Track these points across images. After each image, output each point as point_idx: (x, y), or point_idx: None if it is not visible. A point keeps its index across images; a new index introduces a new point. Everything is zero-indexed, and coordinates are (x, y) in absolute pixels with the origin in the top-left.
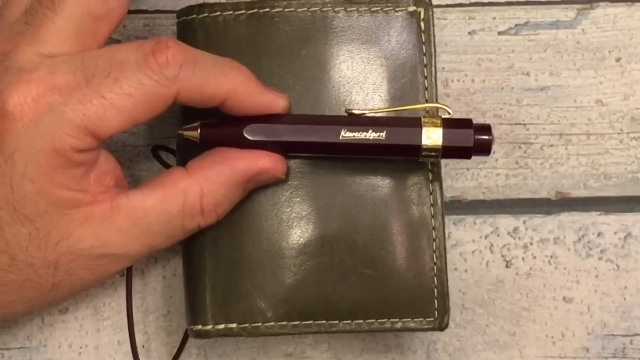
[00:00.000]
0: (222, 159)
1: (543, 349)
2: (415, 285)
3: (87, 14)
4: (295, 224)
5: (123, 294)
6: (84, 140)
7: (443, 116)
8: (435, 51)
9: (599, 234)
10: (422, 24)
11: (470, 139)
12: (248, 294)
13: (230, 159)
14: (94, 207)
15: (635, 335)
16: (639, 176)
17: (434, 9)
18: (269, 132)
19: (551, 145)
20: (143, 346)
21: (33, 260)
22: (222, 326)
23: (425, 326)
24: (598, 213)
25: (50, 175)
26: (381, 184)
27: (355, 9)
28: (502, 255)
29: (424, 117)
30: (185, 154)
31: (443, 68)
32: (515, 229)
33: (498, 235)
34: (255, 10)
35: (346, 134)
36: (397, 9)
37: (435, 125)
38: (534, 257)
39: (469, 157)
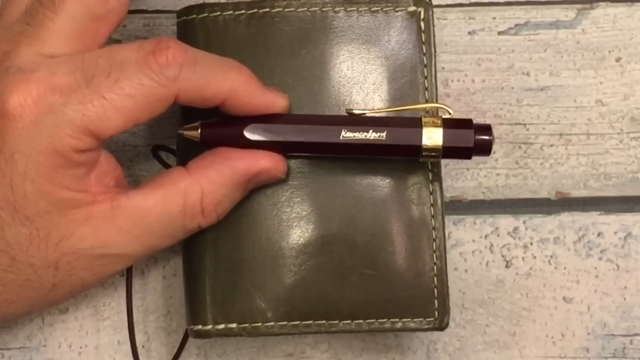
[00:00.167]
0: (222, 159)
1: (543, 349)
2: (415, 285)
3: (87, 14)
4: (295, 224)
5: (123, 294)
6: (84, 140)
7: (443, 116)
8: (435, 51)
9: (599, 234)
10: (422, 24)
11: (471, 139)
12: (248, 294)
13: (231, 158)
14: (95, 207)
15: (635, 335)
16: (639, 176)
17: (434, 9)
18: (269, 132)
19: (551, 145)
20: (143, 346)
21: (33, 261)
22: (222, 326)
23: (425, 326)
24: (598, 213)
25: (51, 175)
26: (381, 184)
27: (355, 8)
28: (502, 255)
29: (424, 117)
30: (185, 154)
31: (443, 68)
32: (515, 229)
33: (498, 235)
34: (255, 10)
35: (347, 134)
36: (397, 8)
37: (435, 125)
38: (534, 257)
39: (469, 158)
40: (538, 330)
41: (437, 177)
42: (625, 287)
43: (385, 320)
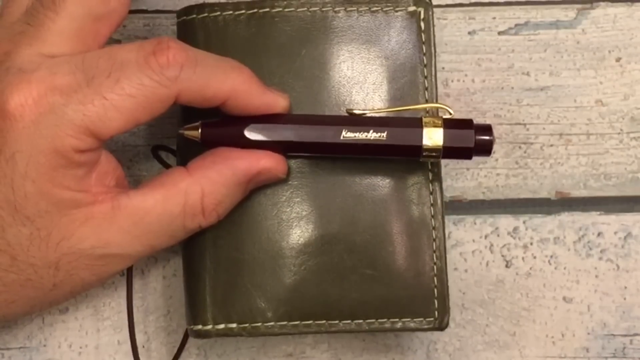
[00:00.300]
0: (223, 159)
1: (543, 349)
2: (415, 285)
3: (88, 15)
4: (295, 224)
5: (123, 293)
6: (85, 140)
7: (444, 116)
8: (435, 51)
9: (599, 234)
10: (422, 24)
11: (471, 140)
12: (248, 294)
13: (231, 158)
14: (95, 208)
15: (635, 335)
16: (639, 176)
17: (434, 9)
18: (270, 132)
19: (551, 145)
20: (143, 346)
21: (34, 261)
22: (222, 326)
23: (425, 326)
24: (598, 213)
25: (51, 175)
26: (381, 184)
27: (355, 8)
28: (502, 255)
29: (424, 117)
30: (186, 154)
31: (443, 68)
32: (515, 228)
33: (498, 235)
34: (255, 10)
35: (347, 134)
36: (397, 8)
37: (436, 125)
38: (534, 257)
39: (469, 158)
40: (538, 330)
41: (437, 177)
42: (625, 287)
43: (385, 320)
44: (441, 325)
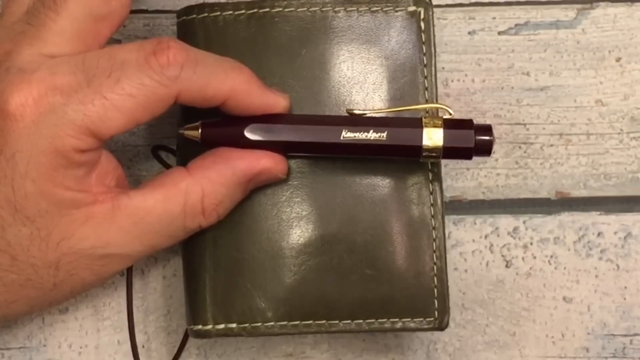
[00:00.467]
0: (223, 159)
1: (543, 349)
2: (415, 285)
3: (89, 15)
4: (295, 224)
5: (123, 293)
6: (85, 140)
7: (444, 117)
8: (435, 51)
9: (599, 234)
10: (422, 24)
11: (471, 140)
12: (248, 294)
13: (232, 158)
14: (95, 207)
15: (635, 335)
16: (639, 176)
17: (434, 9)
18: (270, 132)
19: (551, 145)
20: (143, 346)
21: (34, 261)
22: (222, 326)
23: (425, 326)
24: (598, 213)
25: (52, 175)
26: (381, 184)
27: (355, 8)
28: (502, 255)
29: (424, 117)
30: (186, 154)
31: (443, 68)
32: (515, 228)
33: (498, 235)
34: (255, 10)
35: (347, 134)
36: (397, 8)
37: (436, 125)
38: (534, 257)
39: (469, 158)
40: (538, 330)
41: (437, 177)
42: (625, 287)
43: (385, 320)
44: (441, 325)
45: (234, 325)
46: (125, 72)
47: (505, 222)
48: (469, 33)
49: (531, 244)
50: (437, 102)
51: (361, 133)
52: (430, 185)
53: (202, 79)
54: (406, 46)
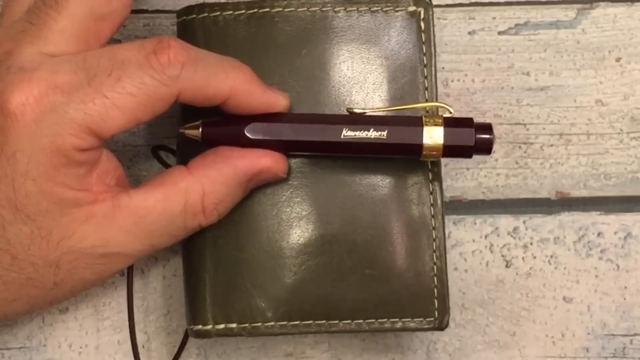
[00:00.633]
0: (223, 158)
1: (543, 349)
2: (415, 285)
3: (90, 14)
4: (295, 224)
5: (123, 293)
6: (86, 139)
7: (444, 115)
8: (435, 51)
9: (599, 234)
10: (422, 24)
11: (472, 138)
12: (248, 294)
13: (232, 157)
14: (96, 206)
15: (635, 335)
16: (639, 176)
17: (434, 9)
18: (270, 131)
19: (551, 145)
20: (143, 346)
21: (35, 260)
22: (222, 326)
23: (425, 326)
24: (598, 213)
25: (52, 174)
26: (381, 184)
27: (355, 8)
28: (502, 255)
29: (425, 116)
30: (186, 153)
31: (443, 68)
32: (515, 228)
33: (498, 235)
34: (255, 10)
35: (347, 133)
36: (397, 8)
37: (436, 124)
38: (534, 257)
39: (470, 157)
40: (538, 330)
41: (437, 177)
42: (625, 287)
43: (385, 320)
44: (441, 325)
45: (234, 325)
46: (126, 71)
47: (505, 222)
48: (469, 33)
49: (531, 244)
50: (437, 101)
51: (361, 132)
52: (430, 185)
53: (202, 78)
54: (406, 46)
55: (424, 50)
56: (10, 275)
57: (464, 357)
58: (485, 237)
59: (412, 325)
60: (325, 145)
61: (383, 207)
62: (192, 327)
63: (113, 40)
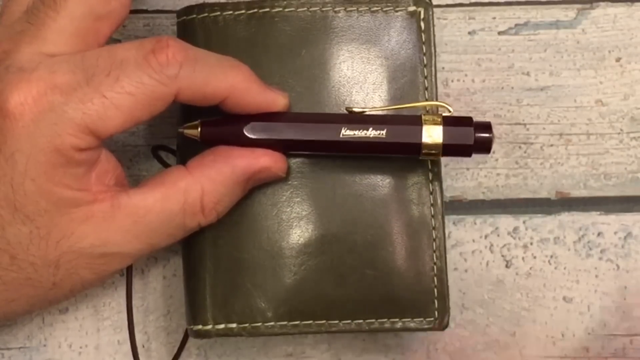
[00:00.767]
0: (222, 158)
1: (543, 349)
2: (415, 285)
3: (89, 14)
4: (295, 224)
5: (123, 293)
6: (85, 139)
7: (443, 114)
8: (435, 51)
9: (599, 234)
10: (422, 24)
11: (471, 137)
12: (248, 294)
13: (231, 157)
14: (95, 206)
15: (636, 335)
16: (639, 176)
17: (434, 9)
18: (269, 131)
19: (551, 145)
20: (143, 346)
21: (34, 259)
22: (222, 326)
23: (426, 326)
24: (598, 213)
25: (51, 174)
26: (381, 184)
27: (355, 8)
28: (502, 255)
29: (424, 115)
30: (185, 153)
31: (443, 68)
32: (515, 228)
33: (498, 235)
34: (255, 10)
35: (346, 132)
36: (397, 8)
37: (435, 123)
38: (534, 257)
39: (469, 155)
40: (538, 330)
41: (437, 177)
42: (626, 287)
43: (385, 320)
44: (441, 325)
45: (234, 325)
46: (124, 70)
47: (505, 222)
48: (469, 33)
49: (531, 244)
50: (436, 101)
51: (360, 130)
52: (430, 185)
53: (201, 77)
54: (406, 46)
55: (424, 50)
56: (10, 275)
57: (464, 357)
58: (485, 237)
59: (412, 325)
60: (324, 145)
61: (383, 207)
62: (192, 327)
63: (113, 41)
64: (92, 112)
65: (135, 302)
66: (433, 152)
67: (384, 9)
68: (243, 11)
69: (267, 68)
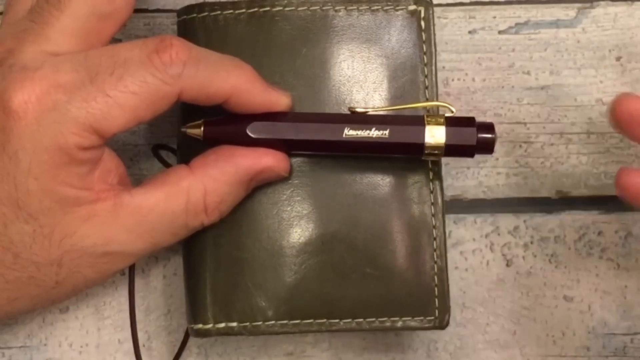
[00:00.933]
0: (225, 157)
1: (544, 348)
2: (415, 284)
3: (92, 13)
4: (295, 223)
5: (124, 293)
6: (88, 138)
7: (446, 114)
8: (435, 50)
9: (599, 233)
10: (422, 23)
11: (474, 138)
12: (249, 293)
13: (234, 156)
14: (98, 205)
15: (636, 334)
16: None
17: (435, 8)
18: (272, 130)
19: (552, 144)
20: (144, 345)
21: (37, 258)
22: (222, 325)
23: (426, 325)
24: (598, 212)
25: (54, 173)
26: (382, 183)
27: (355, 7)
28: (503, 254)
29: (427, 115)
30: (186, 152)
31: (443, 67)
32: (516, 227)
33: (499, 234)
34: (256, 9)
35: (349, 132)
36: (398, 7)
37: (438, 123)
38: (535, 256)
39: (471, 156)
40: (539, 329)
41: (438, 176)
42: (626, 286)
43: (385, 319)
44: (442, 324)
45: (234, 324)
46: (128, 69)
47: (506, 221)
48: (470, 32)
49: (532, 242)
50: (439, 100)
51: (363, 131)
52: (431, 184)
53: (204, 76)
54: (406, 45)
55: (425, 49)
56: (13, 273)
57: (464, 356)
58: (486, 236)
59: (412, 324)
60: (327, 145)
61: (384, 206)
62: (192, 326)
63: (113, 40)
64: (96, 111)
65: (136, 302)
66: (436, 152)
67: (385, 8)
68: (243, 10)
69: (268, 67)
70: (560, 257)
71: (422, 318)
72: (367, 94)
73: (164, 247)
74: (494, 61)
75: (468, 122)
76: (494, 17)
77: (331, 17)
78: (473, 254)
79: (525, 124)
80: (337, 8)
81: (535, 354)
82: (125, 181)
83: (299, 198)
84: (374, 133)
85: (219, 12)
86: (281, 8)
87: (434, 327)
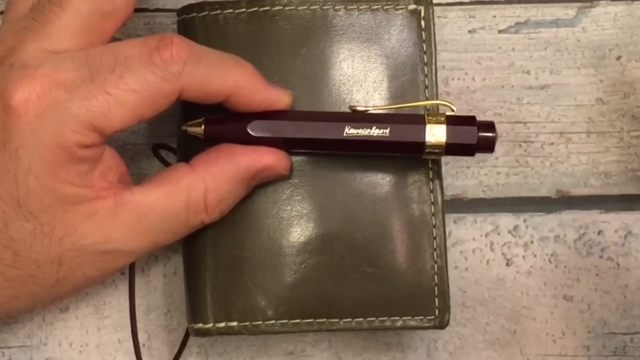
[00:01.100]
0: (226, 155)
1: (544, 347)
2: (415, 284)
3: (93, 11)
4: (295, 222)
5: (124, 292)
6: (89, 136)
7: (446, 113)
8: (435, 49)
9: (599, 232)
10: (422, 22)
11: (474, 137)
12: (248, 292)
13: (235, 155)
14: (98, 203)
15: (636, 333)
16: (639, 174)
17: (435, 7)
18: (273, 129)
19: (552, 144)
20: (144, 345)
21: (37, 256)
22: (222, 324)
23: (426, 324)
24: (598, 211)
25: (55, 171)
26: (382, 182)
27: (355, 7)
28: (503, 254)
29: (427, 114)
30: (187, 151)
31: (443, 66)
32: (516, 227)
33: (498, 234)
34: (256, 9)
35: (350, 131)
36: (398, 7)
37: (439, 122)
38: (535, 256)
39: (472, 155)
40: (539, 328)
41: (438, 176)
42: (626, 286)
43: (385, 318)
44: (442, 324)
45: (234, 323)
46: (128, 67)
47: (506, 220)
48: (470, 31)
49: (532, 242)
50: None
51: (364, 129)
52: (431, 183)
53: (205, 75)
54: (406, 44)
55: (425, 49)
56: (13, 272)
57: (464, 355)
58: (486, 235)
59: (412, 323)
60: (327, 143)
61: (383, 206)
62: (192, 325)
63: (113, 39)
64: (96, 108)
65: (136, 301)
66: (436, 151)
67: (385, 7)
68: (243, 9)
69: (268, 66)
70: (560, 257)
71: (422, 317)
72: (367, 94)
73: (164, 245)
74: (494, 60)
75: (469, 120)
76: (494, 17)
77: (331, 16)
78: (473, 253)
79: (525, 123)
80: (337, 7)
81: (535, 353)
82: (125, 179)
83: (299, 197)
84: (374, 132)
85: (219, 11)
86: (281, 7)
87: (434, 327)
